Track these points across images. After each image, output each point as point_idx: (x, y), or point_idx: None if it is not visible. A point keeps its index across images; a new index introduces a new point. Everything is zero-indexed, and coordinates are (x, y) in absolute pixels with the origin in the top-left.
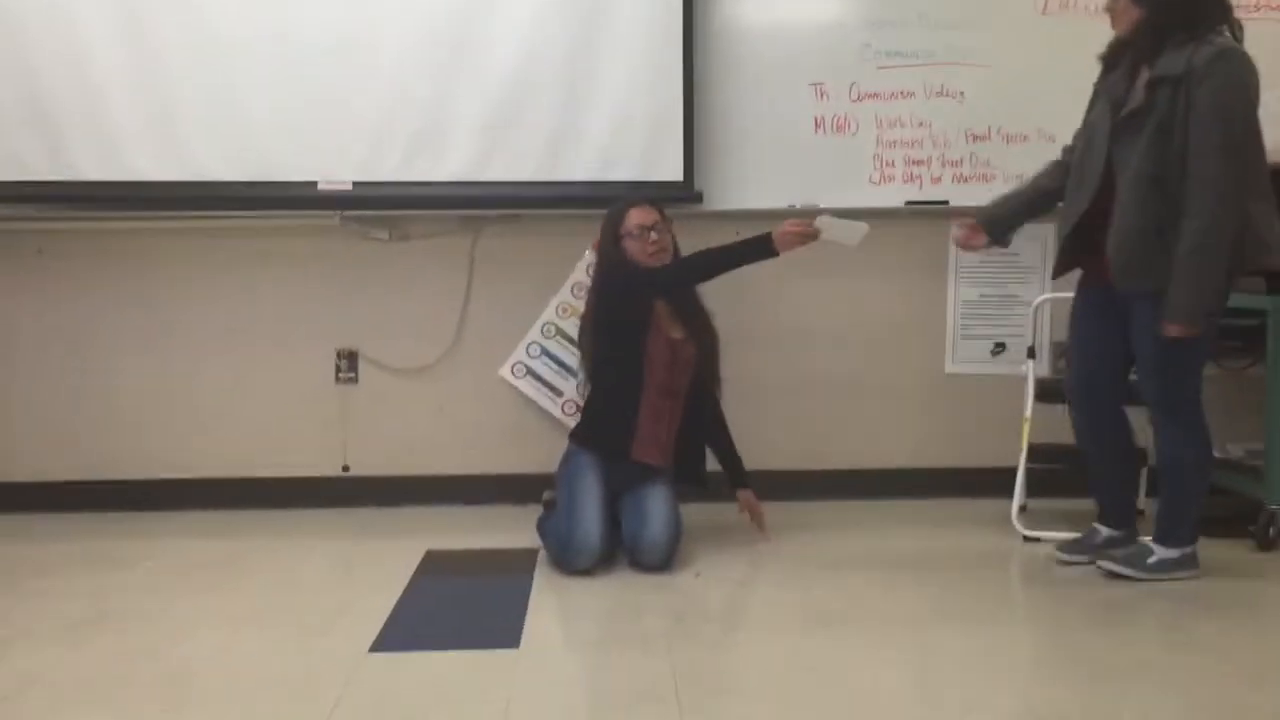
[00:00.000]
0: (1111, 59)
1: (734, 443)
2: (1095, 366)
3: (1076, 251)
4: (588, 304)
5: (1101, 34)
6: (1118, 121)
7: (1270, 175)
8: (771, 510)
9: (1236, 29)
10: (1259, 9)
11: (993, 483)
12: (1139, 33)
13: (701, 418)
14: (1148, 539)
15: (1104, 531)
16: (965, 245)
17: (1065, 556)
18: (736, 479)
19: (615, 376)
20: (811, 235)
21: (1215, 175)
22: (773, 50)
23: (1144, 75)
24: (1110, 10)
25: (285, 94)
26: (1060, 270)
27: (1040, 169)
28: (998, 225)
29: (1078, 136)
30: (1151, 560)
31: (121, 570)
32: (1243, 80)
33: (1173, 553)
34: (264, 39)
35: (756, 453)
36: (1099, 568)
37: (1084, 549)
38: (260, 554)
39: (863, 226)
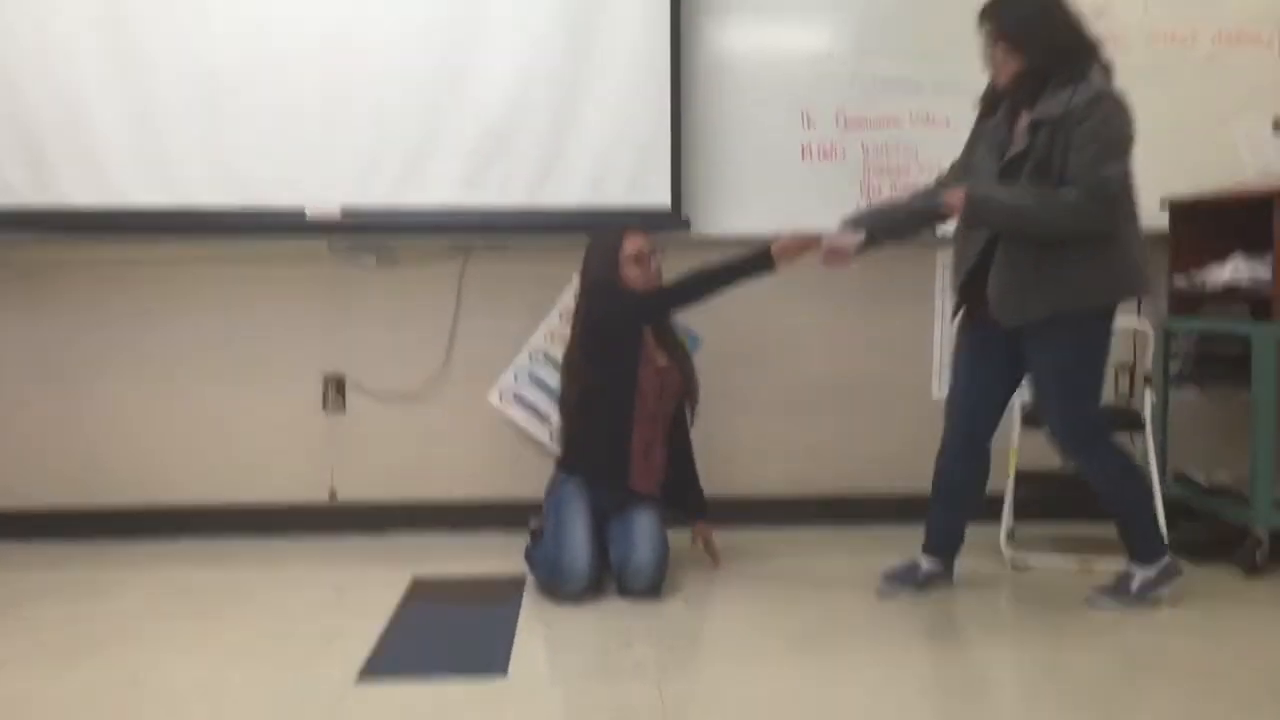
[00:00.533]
0: (989, 105)
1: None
2: (977, 397)
3: (973, 293)
4: (573, 333)
5: None
6: (1004, 166)
7: (1140, 217)
8: (759, 535)
9: (1108, 69)
10: (1239, 40)
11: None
12: (1019, 81)
13: (686, 446)
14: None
15: (926, 564)
16: (834, 248)
17: (886, 588)
18: (699, 508)
19: (606, 405)
20: (812, 240)
21: (1084, 193)
22: (760, 77)
23: (1024, 119)
24: (990, 62)
25: (273, 120)
26: (959, 313)
27: (917, 191)
28: (875, 233)
29: (956, 169)
30: (1135, 585)
31: (106, 598)
32: (1119, 120)
33: (1151, 570)
34: (252, 64)
35: (744, 478)
36: (1088, 603)
37: (906, 581)
38: (247, 581)
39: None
